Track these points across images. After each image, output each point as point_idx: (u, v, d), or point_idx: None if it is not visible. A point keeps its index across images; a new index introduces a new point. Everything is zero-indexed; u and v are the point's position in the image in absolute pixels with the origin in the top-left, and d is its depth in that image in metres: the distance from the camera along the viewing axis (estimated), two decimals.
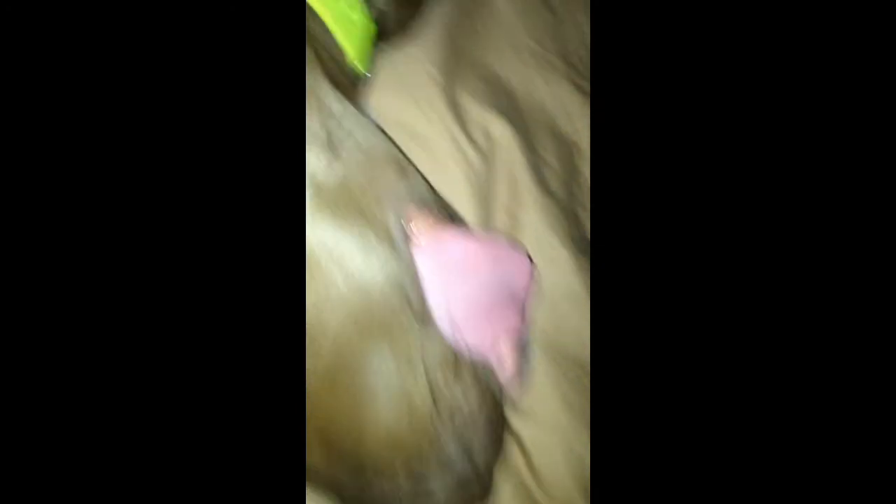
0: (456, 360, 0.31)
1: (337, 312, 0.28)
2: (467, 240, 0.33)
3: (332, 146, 0.30)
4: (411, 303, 0.30)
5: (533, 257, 0.39)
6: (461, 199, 0.42)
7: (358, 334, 0.29)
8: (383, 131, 0.36)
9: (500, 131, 0.44)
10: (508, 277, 0.33)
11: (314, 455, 0.30)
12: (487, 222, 0.42)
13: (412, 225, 0.32)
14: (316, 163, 0.30)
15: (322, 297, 0.28)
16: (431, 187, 0.35)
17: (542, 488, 0.35)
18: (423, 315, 0.31)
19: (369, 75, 0.43)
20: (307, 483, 0.31)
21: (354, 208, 0.30)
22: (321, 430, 0.30)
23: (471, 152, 0.44)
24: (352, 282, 0.29)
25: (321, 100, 0.32)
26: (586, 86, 0.48)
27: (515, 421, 0.36)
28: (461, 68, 0.47)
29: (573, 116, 0.47)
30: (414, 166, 0.34)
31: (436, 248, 0.32)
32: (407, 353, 0.29)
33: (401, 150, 0.34)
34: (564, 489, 0.35)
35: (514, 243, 0.39)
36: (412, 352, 0.29)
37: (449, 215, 0.35)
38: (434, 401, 0.30)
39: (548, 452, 0.36)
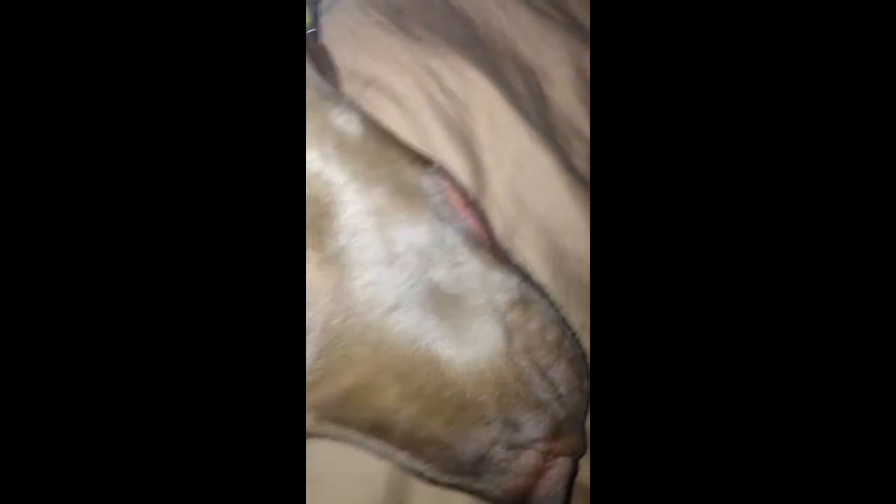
0: (525, 299, 0.32)
1: None
2: None
3: None
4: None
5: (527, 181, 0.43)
6: (442, 145, 0.43)
7: None
8: None
9: (472, 71, 0.44)
10: None
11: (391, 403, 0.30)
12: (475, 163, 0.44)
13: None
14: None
15: None
16: None
17: None
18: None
19: (313, 29, 0.42)
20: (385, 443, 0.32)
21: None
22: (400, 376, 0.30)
23: (440, 97, 0.44)
24: None
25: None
26: (538, 3, 0.48)
27: None
28: (412, 6, 0.46)
29: (532, 39, 0.48)
30: None
31: None
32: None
33: None
34: None
35: None
36: None
37: None
38: (510, 339, 0.31)
39: None
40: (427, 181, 0.33)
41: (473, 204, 0.36)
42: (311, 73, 0.32)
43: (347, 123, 0.31)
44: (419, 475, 0.33)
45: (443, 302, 0.31)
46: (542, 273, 0.40)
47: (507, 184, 0.44)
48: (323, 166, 0.30)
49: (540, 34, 0.48)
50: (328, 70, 0.38)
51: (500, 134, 0.44)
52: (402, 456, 0.32)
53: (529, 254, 0.41)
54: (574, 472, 0.33)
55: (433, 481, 0.33)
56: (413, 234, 0.31)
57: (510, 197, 0.43)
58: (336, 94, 0.33)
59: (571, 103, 0.48)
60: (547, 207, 0.44)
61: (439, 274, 0.31)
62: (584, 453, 0.33)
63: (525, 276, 0.34)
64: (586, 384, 0.32)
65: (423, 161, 0.34)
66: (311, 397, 0.30)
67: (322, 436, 0.32)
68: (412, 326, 0.30)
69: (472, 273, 0.32)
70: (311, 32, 0.39)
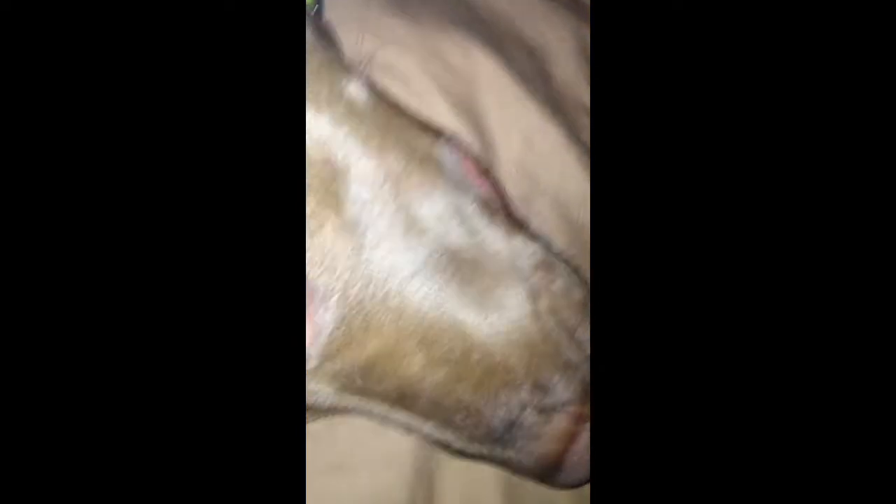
0: (548, 262, 0.32)
1: None
2: None
3: None
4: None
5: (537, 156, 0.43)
6: (451, 124, 0.43)
7: None
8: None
9: (476, 50, 0.44)
10: None
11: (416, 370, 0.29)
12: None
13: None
14: None
15: None
16: None
17: None
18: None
19: (317, 7, 0.42)
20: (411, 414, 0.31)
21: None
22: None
23: (446, 76, 0.44)
24: None
25: None
26: None
27: None
28: None
29: (534, 18, 0.48)
30: None
31: None
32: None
33: None
34: None
35: None
36: None
37: None
38: (535, 300, 0.30)
39: None
40: (440, 150, 0.33)
41: (487, 173, 0.36)
42: (318, 43, 0.32)
43: (358, 91, 0.31)
44: (447, 447, 0.32)
45: (464, 267, 0.30)
46: (559, 244, 0.39)
47: (517, 160, 0.43)
48: (335, 130, 0.29)
49: (541, 13, 0.48)
50: (334, 47, 0.38)
51: (508, 111, 0.44)
52: (429, 427, 0.31)
53: (545, 227, 0.40)
54: None
55: (461, 453, 0.32)
56: (430, 200, 0.31)
57: (522, 173, 0.43)
58: (343, 63, 0.33)
59: (576, 79, 0.47)
60: (559, 181, 0.43)
61: (459, 240, 0.31)
62: None
63: (545, 243, 0.34)
64: None
65: (434, 130, 0.34)
66: (333, 367, 0.29)
67: (345, 411, 0.32)
68: (434, 292, 0.30)
69: (491, 239, 0.32)
70: (315, 11, 0.39)
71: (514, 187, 0.42)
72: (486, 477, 0.36)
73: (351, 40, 0.40)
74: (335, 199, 0.29)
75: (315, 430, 0.36)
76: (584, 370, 0.31)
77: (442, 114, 0.42)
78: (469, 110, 0.43)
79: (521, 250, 0.32)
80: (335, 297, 0.28)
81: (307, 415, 0.32)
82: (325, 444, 0.37)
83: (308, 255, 0.28)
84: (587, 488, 0.33)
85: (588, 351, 0.31)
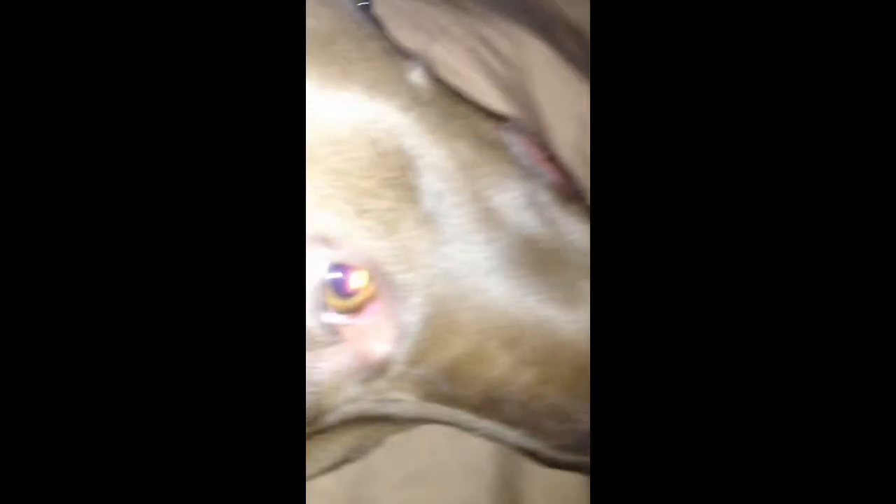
0: None
1: None
2: None
3: None
4: None
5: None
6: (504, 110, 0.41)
7: None
8: None
9: (524, 36, 0.42)
10: None
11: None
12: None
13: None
14: None
15: None
16: None
17: None
18: None
19: (366, 2, 0.41)
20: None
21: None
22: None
23: (496, 64, 0.42)
24: None
25: None
26: None
27: None
28: None
29: (577, 1, 0.46)
30: None
31: None
32: None
33: None
34: None
35: None
36: None
37: None
38: None
39: None
40: (506, 136, 0.31)
41: (553, 158, 0.34)
42: (376, 31, 0.31)
43: (420, 78, 0.29)
44: (534, 455, 0.30)
45: (544, 259, 0.28)
46: None
47: (574, 145, 0.41)
48: (402, 118, 0.28)
49: None
50: (386, 38, 0.36)
51: (562, 95, 0.42)
52: (517, 434, 0.29)
53: None
54: None
55: (551, 462, 0.30)
56: (503, 189, 0.29)
57: (580, 158, 0.41)
58: (402, 50, 0.32)
59: None
60: None
61: (537, 230, 0.29)
62: None
63: None
64: None
65: (497, 116, 0.32)
66: (417, 371, 0.27)
67: (427, 420, 0.30)
68: (516, 287, 0.28)
69: (570, 227, 0.30)
70: (364, 5, 0.38)
71: (572, 173, 0.40)
72: (577, 487, 0.34)
73: (399, 36, 0.39)
74: (410, 192, 0.27)
75: (393, 440, 0.35)
76: None
77: (494, 105, 0.41)
78: (522, 98, 0.42)
79: None
80: (417, 297, 0.27)
81: (389, 426, 0.30)
82: (403, 453, 0.35)
83: (387, 252, 0.26)
84: None
85: None
